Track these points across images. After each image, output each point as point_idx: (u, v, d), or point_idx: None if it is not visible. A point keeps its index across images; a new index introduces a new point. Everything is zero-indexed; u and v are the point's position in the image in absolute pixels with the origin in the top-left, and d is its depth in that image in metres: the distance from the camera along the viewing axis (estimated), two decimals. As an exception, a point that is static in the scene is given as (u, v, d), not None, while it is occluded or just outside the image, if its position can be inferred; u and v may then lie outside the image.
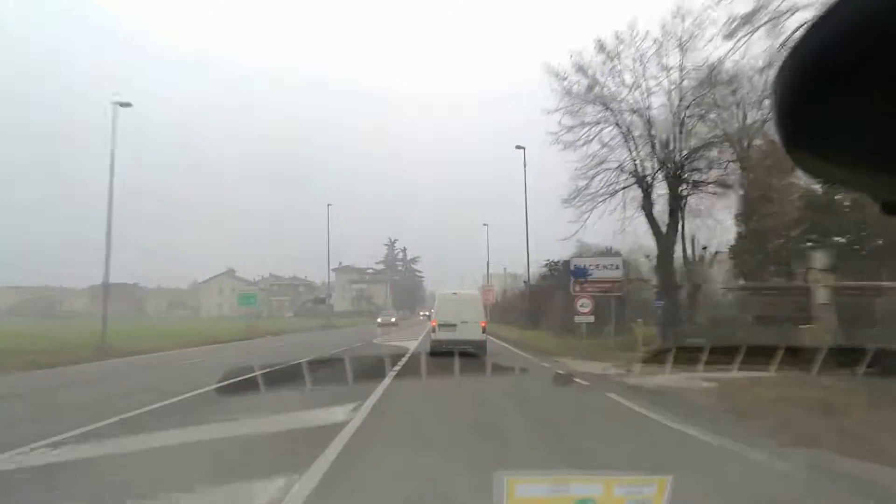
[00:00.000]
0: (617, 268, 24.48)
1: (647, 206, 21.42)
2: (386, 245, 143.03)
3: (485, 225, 63.45)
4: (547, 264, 38.13)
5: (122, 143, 23.18)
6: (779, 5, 14.59)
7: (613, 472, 3.56)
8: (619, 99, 21.26)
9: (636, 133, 21.00)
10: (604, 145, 21.46)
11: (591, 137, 21.66)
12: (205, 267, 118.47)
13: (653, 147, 20.70)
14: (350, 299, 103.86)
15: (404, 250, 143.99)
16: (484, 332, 18.88)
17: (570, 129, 21.58)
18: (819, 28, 0.66)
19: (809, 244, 16.70)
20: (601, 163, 21.68)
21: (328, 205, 54.77)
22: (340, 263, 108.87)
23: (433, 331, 18.96)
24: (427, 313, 76.38)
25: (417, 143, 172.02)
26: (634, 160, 21.24)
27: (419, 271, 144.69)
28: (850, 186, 0.87)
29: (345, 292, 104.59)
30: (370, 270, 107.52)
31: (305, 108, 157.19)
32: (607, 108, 21.40)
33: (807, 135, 0.75)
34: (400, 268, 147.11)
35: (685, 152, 20.65)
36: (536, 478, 2.81)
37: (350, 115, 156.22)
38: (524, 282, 47.76)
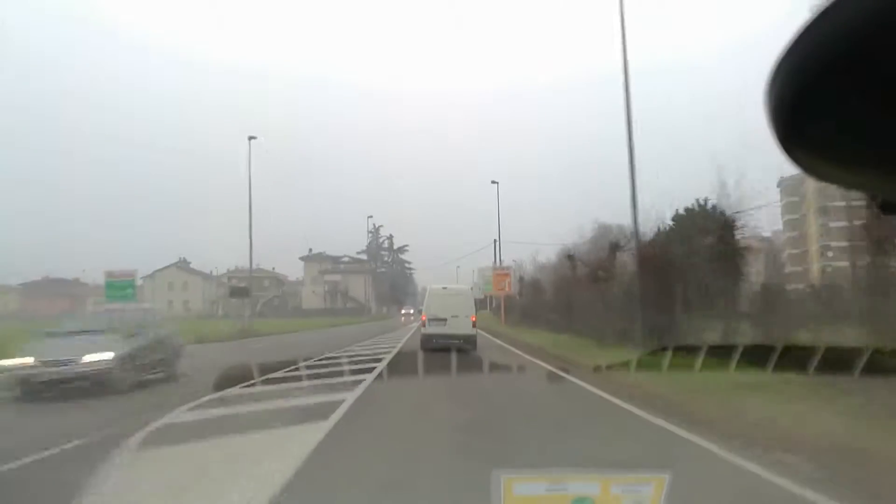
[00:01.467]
0: None
1: None
2: (370, 232, 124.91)
3: (494, 182, 45.41)
4: None
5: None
6: None
7: (611, 470, 2.91)
8: None
9: None
10: None
11: None
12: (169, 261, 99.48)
13: None
14: (322, 294, 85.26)
15: (390, 238, 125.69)
16: (474, 326, 18.86)
17: None
18: (817, 26, 0.65)
19: None
20: None
21: (249, 137, 36.32)
22: (311, 251, 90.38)
23: (423, 325, 18.83)
24: (411, 311, 58.05)
25: (411, 133, 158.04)
26: None
27: (408, 262, 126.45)
28: (847, 185, 0.84)
29: (316, 285, 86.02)
30: (346, 259, 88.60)
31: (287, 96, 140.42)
32: None
33: (804, 133, 0.74)
34: (386, 258, 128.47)
35: None
36: (534, 476, 2.56)
37: (340, 107, 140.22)
38: (596, 252, 29.31)
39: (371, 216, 69.13)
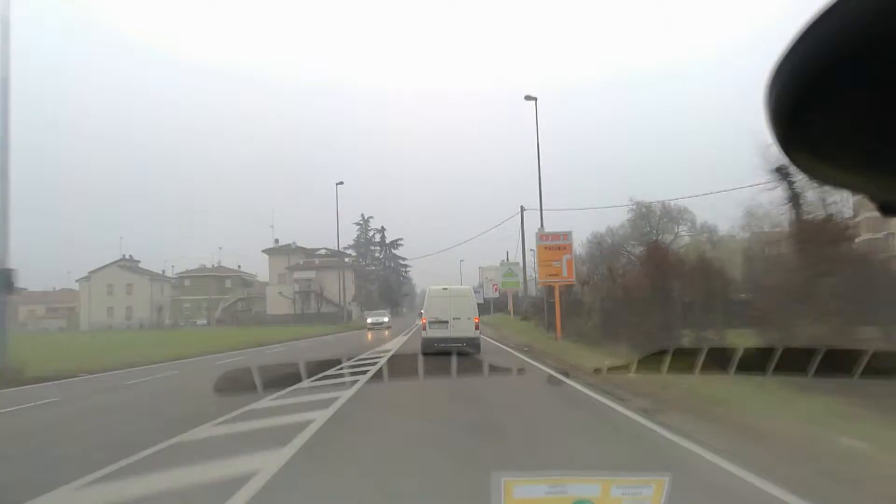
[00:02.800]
0: None
1: None
2: (357, 224, 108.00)
3: (529, 99, 28.11)
4: None
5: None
6: None
7: (611, 472, 2.71)
8: None
9: None
10: None
11: None
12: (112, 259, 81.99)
13: None
14: (292, 295, 67.59)
15: (382, 231, 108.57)
16: (477, 328, 18.00)
17: None
18: (817, 27, 0.65)
19: None
20: None
21: None
22: (277, 241, 72.78)
23: (424, 328, 18.02)
24: (384, 319, 41.96)
25: (408, 127, 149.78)
26: None
27: (403, 259, 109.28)
28: (847, 187, 0.85)
29: (284, 285, 68.32)
30: (322, 252, 70.82)
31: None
32: None
33: (804, 135, 0.74)
34: (377, 254, 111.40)
35: None
36: (534, 479, 2.46)
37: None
38: None
39: (341, 182, 51.00)
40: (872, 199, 0.80)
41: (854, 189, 0.84)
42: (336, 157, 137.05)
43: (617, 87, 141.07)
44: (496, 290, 56.80)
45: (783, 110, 0.71)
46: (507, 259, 51.50)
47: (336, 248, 67.79)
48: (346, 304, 58.66)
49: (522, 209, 34.28)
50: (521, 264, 38.66)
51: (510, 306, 45.89)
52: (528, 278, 40.99)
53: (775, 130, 0.73)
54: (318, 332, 39.43)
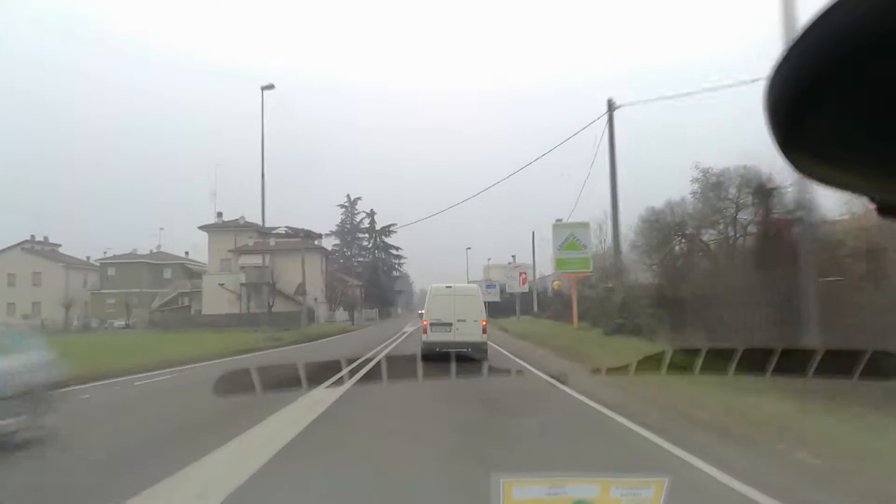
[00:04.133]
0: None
1: None
2: (342, 206, 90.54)
3: None
4: None
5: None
6: None
7: (610, 473, 2.72)
8: None
9: None
10: None
11: None
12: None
13: None
14: (238, 287, 49.64)
15: (372, 214, 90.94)
16: (484, 332, 16.76)
17: None
18: (816, 28, 0.65)
19: None
20: None
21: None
22: (221, 216, 54.76)
23: (424, 332, 17.01)
24: None
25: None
26: None
27: (397, 249, 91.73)
28: (847, 188, 0.84)
29: (228, 274, 50.33)
30: (282, 230, 52.74)
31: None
32: None
33: (803, 136, 0.74)
34: (366, 243, 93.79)
35: None
36: (533, 480, 2.43)
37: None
38: None
39: (270, 85, 32.95)
40: (872, 199, 0.79)
41: (852, 190, 0.81)
42: (336, 156, 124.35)
43: (617, 88, 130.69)
44: (524, 282, 39.26)
45: (782, 112, 0.70)
46: (534, 241, 33.60)
47: (317, 231, 49.97)
48: (310, 300, 40.93)
49: (611, 104, 16.68)
50: (612, 212, 20.80)
51: (572, 306, 26.01)
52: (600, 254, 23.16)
53: (774, 132, 0.72)
54: (226, 351, 21.84)
